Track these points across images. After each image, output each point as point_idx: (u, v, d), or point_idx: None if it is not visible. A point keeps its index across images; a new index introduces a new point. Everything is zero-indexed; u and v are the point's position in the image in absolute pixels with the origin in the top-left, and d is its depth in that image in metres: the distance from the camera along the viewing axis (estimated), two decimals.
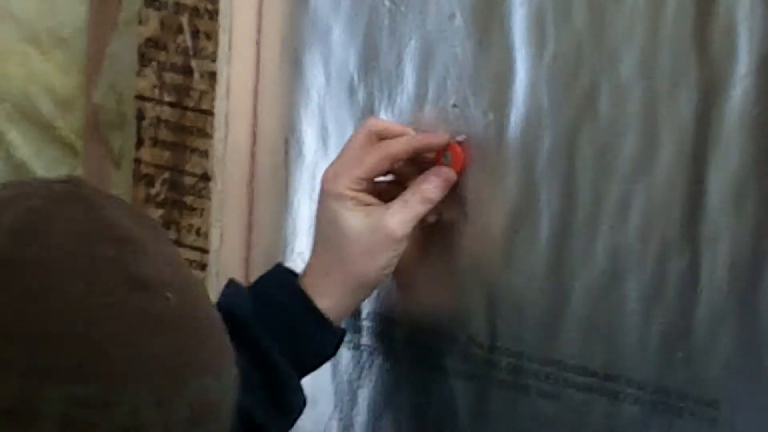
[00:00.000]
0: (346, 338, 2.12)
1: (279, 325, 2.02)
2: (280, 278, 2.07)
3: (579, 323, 1.98)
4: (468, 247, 2.05)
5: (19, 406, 1.45)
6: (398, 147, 2.04)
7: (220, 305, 1.97)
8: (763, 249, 1.85)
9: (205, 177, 2.26)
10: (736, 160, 1.85)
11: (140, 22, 2.30)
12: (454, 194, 2.04)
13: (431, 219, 2.05)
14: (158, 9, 2.28)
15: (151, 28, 2.28)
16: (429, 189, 2.03)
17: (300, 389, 2.03)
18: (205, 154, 2.24)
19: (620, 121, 1.92)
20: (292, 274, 2.05)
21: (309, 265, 2.06)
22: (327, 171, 2.05)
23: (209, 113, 2.22)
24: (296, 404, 2.05)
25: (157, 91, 2.29)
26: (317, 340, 2.04)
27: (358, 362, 2.17)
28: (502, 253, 2.02)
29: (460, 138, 2.01)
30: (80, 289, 1.46)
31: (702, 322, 1.89)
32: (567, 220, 1.97)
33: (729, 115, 1.84)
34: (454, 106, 2.03)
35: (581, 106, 1.94)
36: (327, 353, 2.06)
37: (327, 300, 2.03)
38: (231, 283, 2.07)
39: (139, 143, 2.31)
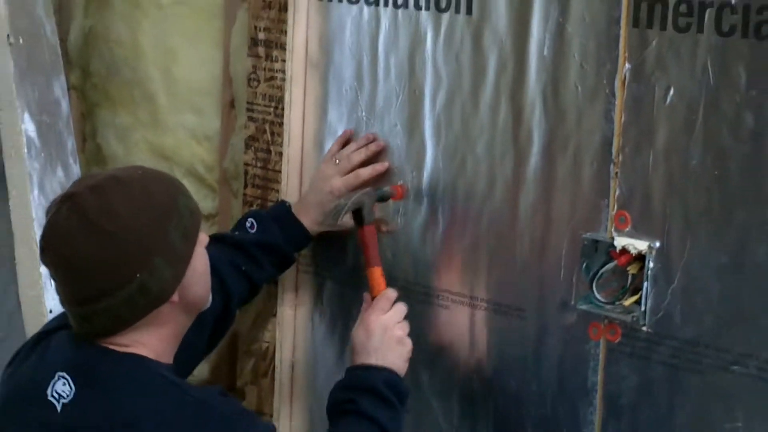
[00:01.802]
0: None
1: (285, 231, 2.01)
2: (286, 210, 2.04)
3: (461, 270, 1.97)
4: (404, 236, 2.03)
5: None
6: (366, 174, 2.00)
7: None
8: (548, 223, 1.84)
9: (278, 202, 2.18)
10: (533, 191, 1.87)
11: (245, 128, 2.27)
12: (398, 210, 2.02)
13: (385, 228, 2.03)
14: (254, 121, 2.24)
15: (251, 130, 2.25)
16: (359, 176, 2.00)
17: (292, 256, 2.05)
18: (277, 191, 2.20)
19: (478, 174, 1.93)
20: (290, 208, 2.03)
21: (297, 206, 2.04)
22: (329, 167, 2.01)
23: (279, 172, 2.19)
24: (291, 260, 2.06)
25: (254, 161, 2.26)
26: (303, 238, 2.04)
27: None
28: (420, 238, 2.02)
29: (400, 183, 2.01)
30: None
31: (516, 266, 1.89)
32: (452, 221, 1.98)
33: (529, 171, 1.87)
34: (396, 167, 2.03)
35: (458, 167, 1.96)
36: (306, 244, 2.06)
37: (306, 220, 2.02)
38: (250, 213, 2.08)
39: (245, 186, 2.28)
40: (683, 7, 1.67)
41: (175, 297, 1.60)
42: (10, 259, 2.23)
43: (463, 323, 1.97)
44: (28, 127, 2.18)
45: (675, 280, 1.71)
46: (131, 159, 2.47)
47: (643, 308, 1.74)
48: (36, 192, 2.19)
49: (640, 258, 1.74)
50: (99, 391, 1.56)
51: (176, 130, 2.43)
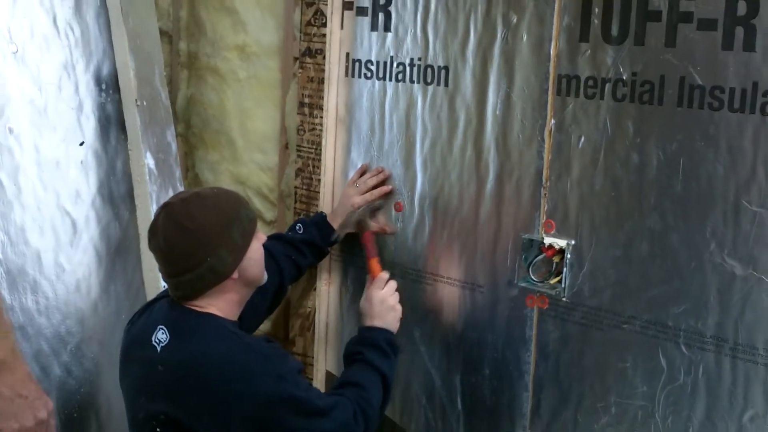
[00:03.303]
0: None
1: (321, 232, 1.98)
2: (323, 218, 2.00)
3: (441, 259, 1.94)
4: (402, 236, 2.01)
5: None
6: (377, 193, 1.98)
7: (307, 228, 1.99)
8: (499, 227, 1.82)
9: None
10: (489, 206, 1.85)
11: (295, 162, 2.24)
12: (398, 219, 1.99)
13: (389, 230, 2.00)
14: (302, 158, 2.19)
15: (299, 164, 2.22)
16: (373, 195, 1.98)
17: (326, 249, 2.00)
18: (317, 206, 2.17)
19: (452, 194, 1.91)
20: (325, 216, 2.00)
21: (330, 215, 1.99)
22: (351, 189, 1.97)
23: (318, 192, 2.16)
24: (325, 252, 2.02)
25: (301, 185, 2.22)
26: (332, 237, 1.99)
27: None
28: (413, 237, 1.99)
29: (399, 200, 2.00)
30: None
31: (478, 256, 1.87)
32: (434, 226, 1.95)
33: (487, 192, 1.85)
34: (397, 189, 2.00)
35: (438, 189, 1.94)
36: (334, 242, 2.01)
37: (336, 225, 1.98)
38: (298, 220, 2.03)
39: (295, 202, 2.24)
40: (590, 82, 1.67)
41: (234, 275, 1.60)
42: (137, 251, 2.22)
43: (442, 295, 1.96)
44: (149, 161, 2.17)
45: (585, 266, 1.71)
46: (218, 184, 2.44)
47: (563, 285, 1.74)
48: (154, 206, 2.17)
49: (562, 251, 1.74)
50: (184, 337, 1.56)
51: (249, 164, 2.41)
